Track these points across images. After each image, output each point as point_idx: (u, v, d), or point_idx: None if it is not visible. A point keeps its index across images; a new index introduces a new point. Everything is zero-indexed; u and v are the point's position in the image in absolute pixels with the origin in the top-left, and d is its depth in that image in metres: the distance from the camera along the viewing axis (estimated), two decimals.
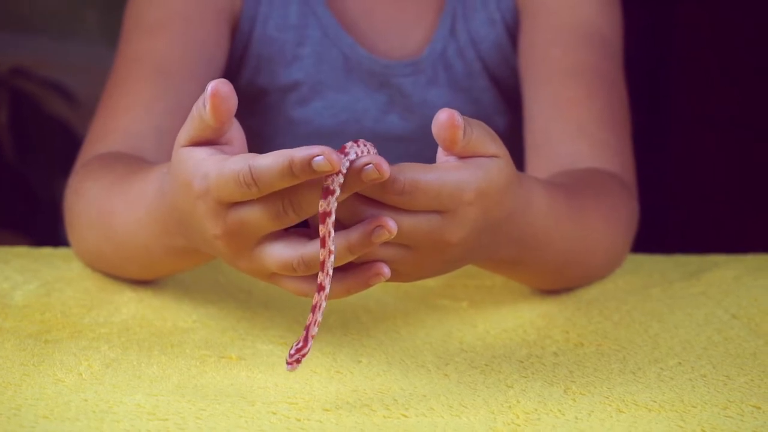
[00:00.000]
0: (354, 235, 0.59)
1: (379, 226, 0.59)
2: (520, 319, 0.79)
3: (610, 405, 0.64)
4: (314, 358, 0.70)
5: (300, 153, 0.56)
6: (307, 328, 0.60)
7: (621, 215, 0.86)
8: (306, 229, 0.62)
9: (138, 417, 0.60)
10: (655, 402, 0.64)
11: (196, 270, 0.87)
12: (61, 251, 0.92)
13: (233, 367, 0.69)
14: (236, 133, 0.63)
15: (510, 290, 0.85)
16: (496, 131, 0.64)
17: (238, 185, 0.58)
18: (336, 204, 0.58)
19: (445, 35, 1.03)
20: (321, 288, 0.59)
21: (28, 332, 0.74)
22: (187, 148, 0.62)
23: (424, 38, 1.04)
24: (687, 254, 0.98)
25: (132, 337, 0.74)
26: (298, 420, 0.60)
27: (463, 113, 0.60)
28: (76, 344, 0.72)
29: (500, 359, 0.71)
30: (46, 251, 0.93)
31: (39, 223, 2.04)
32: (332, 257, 0.59)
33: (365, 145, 0.58)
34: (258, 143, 1.04)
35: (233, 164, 0.58)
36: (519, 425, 0.60)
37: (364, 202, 0.60)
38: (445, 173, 0.60)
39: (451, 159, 0.62)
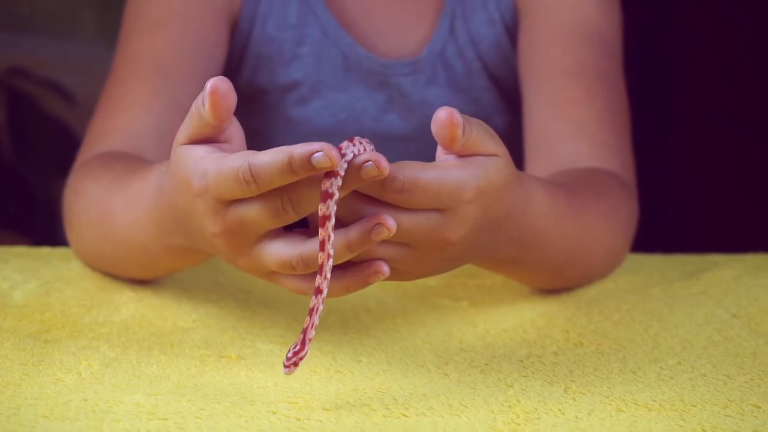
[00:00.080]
0: (353, 233, 0.59)
1: (379, 223, 0.58)
2: (520, 318, 0.79)
3: (610, 404, 0.63)
4: (314, 357, 0.70)
5: (299, 149, 0.56)
6: (305, 332, 0.60)
7: (621, 215, 0.86)
8: (305, 229, 0.62)
9: (138, 416, 0.60)
10: (655, 401, 0.64)
11: (195, 269, 0.87)
12: (60, 251, 0.92)
13: (233, 366, 0.69)
14: (235, 130, 0.62)
15: (510, 290, 0.85)
16: (495, 131, 0.64)
17: (237, 183, 0.58)
18: (335, 207, 0.58)
19: (445, 35, 1.03)
20: (318, 291, 0.59)
21: (27, 332, 0.74)
22: (186, 146, 0.62)
23: (423, 38, 1.04)
24: (687, 254, 0.98)
25: (132, 337, 0.73)
26: (298, 419, 0.60)
27: (462, 113, 0.60)
28: (76, 344, 0.71)
29: (500, 359, 0.71)
30: (45, 251, 0.93)
31: (37, 223, 2.04)
32: (331, 261, 0.58)
33: (361, 143, 0.58)
34: (257, 143, 1.04)
35: (232, 162, 0.58)
36: (519, 424, 0.60)
37: (364, 200, 0.60)
38: (444, 171, 0.60)
39: (451, 157, 0.62)
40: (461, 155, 0.62)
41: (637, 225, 0.90)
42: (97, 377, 0.66)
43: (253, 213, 0.59)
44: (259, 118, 1.05)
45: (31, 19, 2.20)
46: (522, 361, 0.71)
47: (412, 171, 0.59)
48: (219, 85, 0.59)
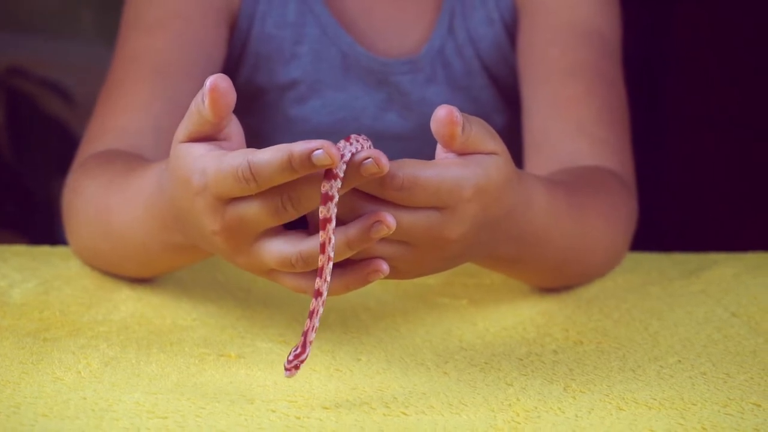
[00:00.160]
0: (353, 230, 0.59)
1: (378, 221, 0.58)
2: (519, 317, 0.79)
3: (610, 403, 0.63)
4: (314, 356, 0.70)
5: (299, 147, 0.56)
6: (305, 334, 0.60)
7: (620, 213, 0.86)
8: (305, 230, 0.62)
9: (137, 415, 0.60)
10: (655, 400, 0.64)
11: (194, 268, 0.87)
12: (59, 250, 0.92)
13: (232, 365, 0.69)
14: (235, 128, 0.62)
15: (509, 288, 0.85)
16: (494, 129, 0.64)
17: (236, 181, 0.58)
18: (336, 210, 0.58)
19: (444, 33, 1.03)
20: (318, 294, 0.59)
21: (26, 330, 0.73)
22: (186, 143, 0.62)
23: (422, 36, 1.04)
24: (686, 252, 0.98)
25: (131, 335, 0.73)
26: (298, 418, 0.60)
27: (461, 111, 0.60)
28: (75, 342, 0.71)
29: (500, 357, 0.71)
30: (44, 250, 0.93)
31: (36, 223, 2.04)
32: (331, 263, 0.58)
33: (358, 140, 0.58)
34: (256, 142, 1.04)
35: (232, 160, 0.58)
36: (519, 423, 0.60)
37: (363, 198, 0.59)
38: (444, 170, 0.60)
39: (450, 156, 0.62)
40: (461, 153, 0.62)
41: (636, 225, 0.89)
42: (97, 376, 0.66)
43: (253, 211, 0.59)
44: (258, 117, 1.05)
45: (30, 19, 2.20)
46: (522, 360, 0.71)
47: (412, 169, 0.59)
48: (219, 82, 0.59)
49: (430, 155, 0.64)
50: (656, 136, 2.10)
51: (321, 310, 0.60)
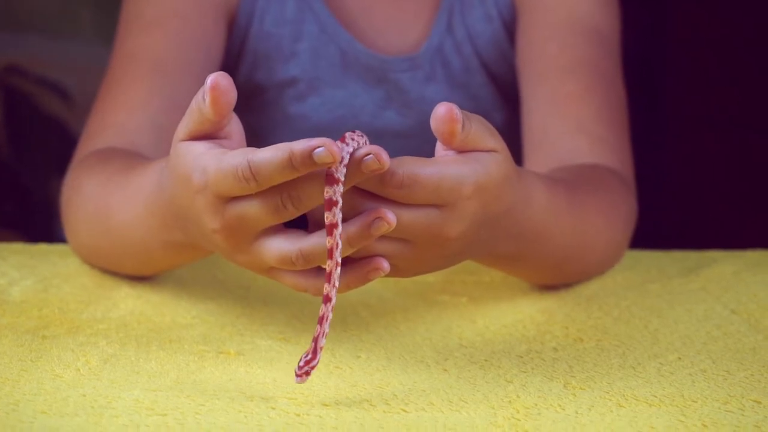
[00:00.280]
0: (353, 227, 0.59)
1: (378, 217, 0.58)
2: (519, 314, 0.79)
3: (610, 400, 0.63)
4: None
5: (300, 145, 0.56)
6: (316, 340, 0.60)
7: (620, 211, 0.86)
8: (305, 228, 0.62)
9: (137, 412, 0.59)
10: (655, 397, 0.64)
11: (194, 266, 0.87)
12: (58, 248, 0.92)
13: (232, 362, 0.69)
14: (235, 127, 0.62)
15: (509, 286, 0.85)
16: (494, 127, 0.64)
17: (236, 180, 0.58)
18: (341, 215, 0.57)
19: (442, 31, 1.03)
20: (328, 299, 0.59)
21: (25, 328, 0.73)
22: (186, 142, 0.61)
23: (421, 34, 1.04)
24: (685, 250, 0.98)
25: (130, 333, 0.73)
26: (297, 415, 0.60)
27: (461, 109, 0.60)
28: (74, 340, 0.71)
29: (500, 354, 0.71)
30: (43, 248, 0.92)
31: (35, 223, 2.04)
32: (338, 269, 0.58)
33: (353, 139, 0.57)
34: (255, 140, 1.04)
35: (232, 158, 0.58)
36: (519, 420, 0.60)
37: (363, 195, 0.59)
38: (444, 167, 0.60)
39: (450, 153, 0.62)
40: (460, 151, 0.62)
41: (636, 224, 0.89)
42: (96, 373, 0.66)
43: (253, 210, 0.59)
44: (257, 114, 1.05)
45: (29, 18, 2.20)
46: (521, 357, 0.70)
47: (412, 166, 0.59)
48: (219, 80, 0.59)
49: (429, 153, 0.63)
50: (656, 135, 2.10)
51: (331, 315, 0.60)
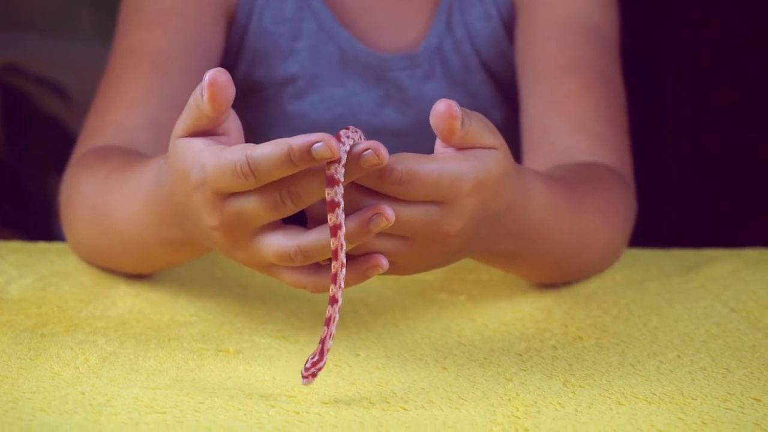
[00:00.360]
0: (351, 223, 0.58)
1: (377, 213, 0.58)
2: (518, 312, 0.79)
3: (609, 397, 0.63)
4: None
5: (298, 140, 0.56)
6: (323, 342, 0.60)
7: (619, 209, 0.86)
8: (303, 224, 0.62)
9: (136, 410, 0.59)
10: (654, 394, 0.64)
11: (192, 264, 0.87)
12: (56, 246, 0.92)
13: (231, 360, 0.68)
14: (233, 123, 0.62)
15: (508, 284, 0.85)
16: (493, 125, 0.64)
17: (235, 176, 0.58)
18: (344, 215, 0.57)
19: (441, 29, 1.03)
20: (334, 301, 0.59)
21: (24, 326, 0.73)
22: (184, 138, 0.61)
23: (420, 32, 1.04)
24: (684, 249, 0.98)
25: (129, 331, 0.73)
26: (297, 413, 0.60)
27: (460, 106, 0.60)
28: (73, 338, 0.71)
29: (499, 352, 0.71)
30: (42, 246, 0.93)
31: (33, 221, 2.03)
32: (344, 270, 0.58)
33: (348, 137, 0.57)
34: (254, 137, 1.03)
35: (230, 155, 0.58)
36: (519, 417, 0.60)
37: (362, 192, 0.59)
38: (443, 164, 0.60)
39: (450, 150, 0.62)
40: (460, 148, 0.62)
41: (635, 223, 0.89)
42: (95, 371, 0.66)
43: (252, 206, 0.59)
44: (256, 112, 1.05)
45: (28, 18, 2.20)
46: (521, 355, 0.70)
47: (411, 163, 0.59)
48: (218, 76, 0.59)
49: (428, 151, 0.63)
50: (655, 134, 2.10)
51: (337, 317, 0.60)
